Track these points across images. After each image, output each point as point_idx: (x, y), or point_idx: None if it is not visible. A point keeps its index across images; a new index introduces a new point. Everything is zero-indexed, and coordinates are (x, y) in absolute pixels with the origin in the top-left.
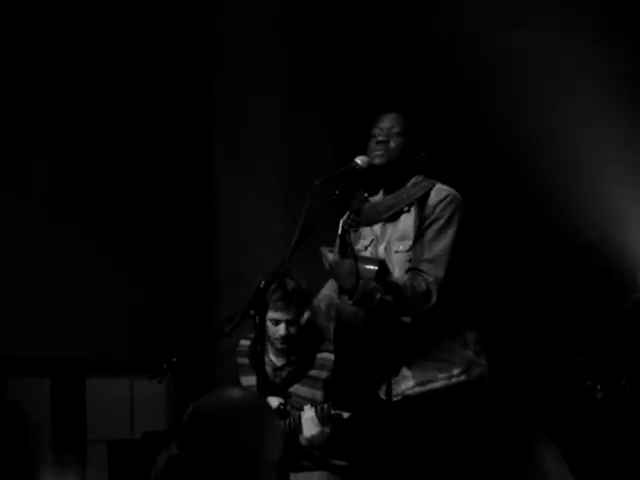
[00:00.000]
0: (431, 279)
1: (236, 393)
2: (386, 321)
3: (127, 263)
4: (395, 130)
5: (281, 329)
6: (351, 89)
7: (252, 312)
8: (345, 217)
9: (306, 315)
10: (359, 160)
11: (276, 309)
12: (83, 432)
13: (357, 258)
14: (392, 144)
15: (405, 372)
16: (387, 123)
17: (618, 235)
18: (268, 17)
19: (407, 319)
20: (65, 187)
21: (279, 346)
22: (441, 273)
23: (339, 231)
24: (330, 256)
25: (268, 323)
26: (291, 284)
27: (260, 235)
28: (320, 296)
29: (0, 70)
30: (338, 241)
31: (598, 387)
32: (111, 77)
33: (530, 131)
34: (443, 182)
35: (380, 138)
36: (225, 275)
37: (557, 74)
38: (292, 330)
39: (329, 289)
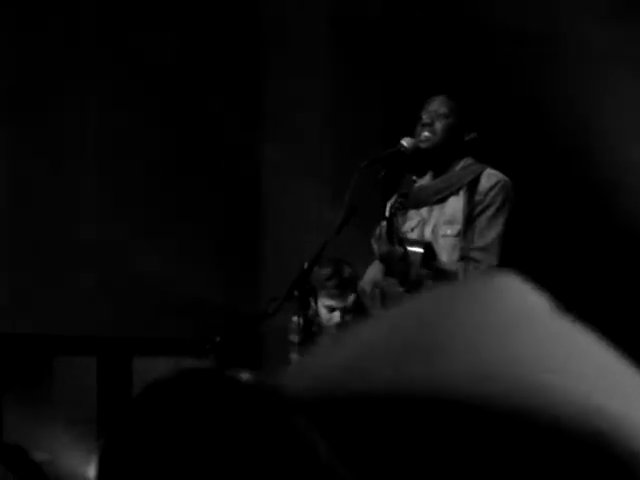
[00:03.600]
0: (484, 267)
1: None
2: None
3: (173, 246)
4: (441, 111)
5: (336, 316)
6: (401, 69)
7: (296, 293)
8: (393, 200)
9: (352, 298)
10: (405, 142)
11: (332, 297)
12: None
13: (403, 240)
14: (438, 126)
15: None
16: (433, 106)
17: None
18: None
19: None
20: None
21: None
22: (494, 262)
23: (386, 214)
24: (381, 247)
25: (322, 310)
26: (347, 271)
27: (307, 218)
28: (365, 279)
29: None
30: (384, 229)
31: None
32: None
33: (587, 118)
34: (493, 166)
35: (426, 121)
36: (271, 258)
37: (619, 59)
38: (347, 318)
39: (373, 272)
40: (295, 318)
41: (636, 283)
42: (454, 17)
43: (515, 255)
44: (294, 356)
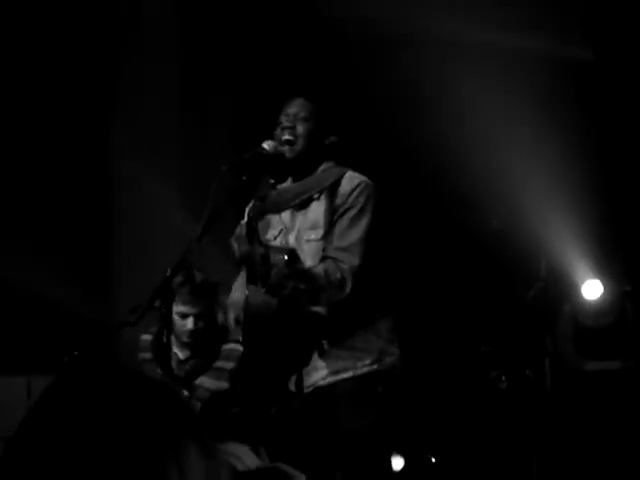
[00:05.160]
0: (346, 267)
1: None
2: (297, 311)
3: (24, 254)
4: (302, 115)
5: (189, 323)
6: (252, 70)
7: (158, 302)
8: (251, 205)
9: (221, 317)
10: (266, 145)
11: (184, 303)
12: None
13: (266, 247)
14: (299, 129)
15: (317, 362)
16: (293, 109)
17: (520, 224)
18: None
19: (320, 310)
20: None
21: (186, 340)
22: (356, 261)
23: (245, 219)
24: (241, 247)
25: (175, 317)
26: (199, 277)
27: (159, 223)
28: (229, 301)
29: None
30: (244, 230)
31: (503, 377)
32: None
33: (437, 118)
34: (353, 169)
35: (286, 124)
36: (124, 265)
37: (465, 59)
38: (200, 324)
39: (237, 288)
40: (145, 336)
41: (482, 278)
42: (308, 12)
43: (377, 256)
44: (149, 373)
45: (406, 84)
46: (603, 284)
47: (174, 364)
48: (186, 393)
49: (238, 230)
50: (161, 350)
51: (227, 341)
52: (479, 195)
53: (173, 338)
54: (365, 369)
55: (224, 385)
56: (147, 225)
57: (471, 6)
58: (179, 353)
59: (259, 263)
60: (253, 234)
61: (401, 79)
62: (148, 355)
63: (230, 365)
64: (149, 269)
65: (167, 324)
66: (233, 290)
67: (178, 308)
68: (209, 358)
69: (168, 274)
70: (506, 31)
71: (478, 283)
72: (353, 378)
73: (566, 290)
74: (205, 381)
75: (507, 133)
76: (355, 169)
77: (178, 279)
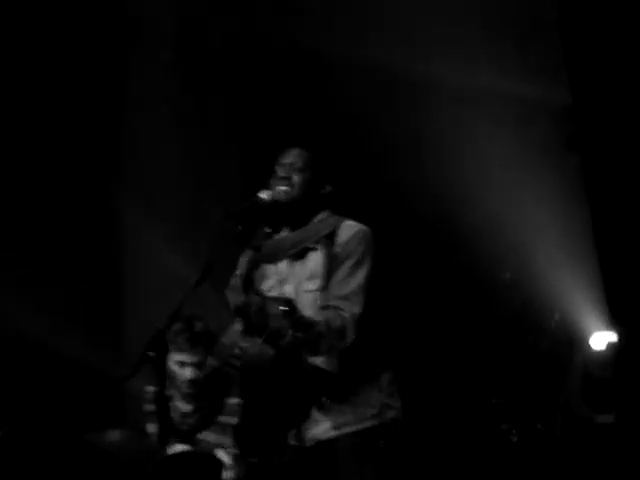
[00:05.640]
0: (347, 315)
1: None
2: (296, 363)
3: (30, 302)
4: (297, 165)
5: (187, 372)
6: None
7: (151, 354)
8: (246, 254)
9: (203, 353)
10: (263, 195)
11: (182, 351)
12: None
13: (262, 298)
14: (294, 179)
15: (317, 416)
16: (289, 159)
17: (532, 275)
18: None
19: (321, 363)
20: None
21: (186, 390)
22: (357, 310)
23: (241, 266)
24: (236, 298)
25: (174, 366)
26: (199, 325)
27: (166, 275)
28: (224, 341)
29: None
30: (239, 280)
31: (513, 431)
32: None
33: (437, 168)
34: (353, 218)
35: (282, 174)
36: (132, 319)
37: (479, 109)
38: (199, 373)
39: (232, 334)
40: (149, 388)
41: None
42: (301, 57)
43: (377, 305)
44: (151, 426)
45: (409, 131)
46: (613, 336)
47: (176, 417)
48: (188, 448)
49: (232, 281)
50: (162, 403)
51: (230, 394)
52: (488, 245)
53: (175, 391)
54: (367, 423)
55: (227, 441)
56: (154, 274)
57: (468, 52)
58: (182, 406)
59: (255, 314)
60: (249, 284)
61: (403, 126)
62: (152, 407)
63: (234, 420)
64: (156, 316)
65: (161, 376)
66: (228, 333)
67: (176, 357)
68: (212, 412)
69: (161, 327)
70: (504, 79)
71: (489, 334)
72: (355, 432)
73: (577, 342)
74: (208, 436)
75: (520, 185)
76: (355, 218)
77: (177, 327)
